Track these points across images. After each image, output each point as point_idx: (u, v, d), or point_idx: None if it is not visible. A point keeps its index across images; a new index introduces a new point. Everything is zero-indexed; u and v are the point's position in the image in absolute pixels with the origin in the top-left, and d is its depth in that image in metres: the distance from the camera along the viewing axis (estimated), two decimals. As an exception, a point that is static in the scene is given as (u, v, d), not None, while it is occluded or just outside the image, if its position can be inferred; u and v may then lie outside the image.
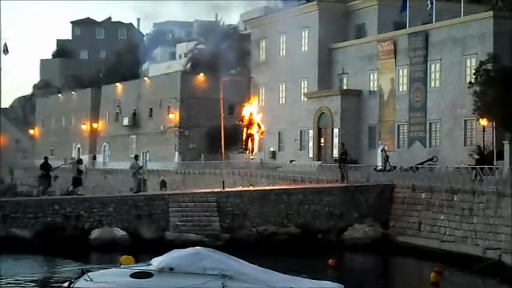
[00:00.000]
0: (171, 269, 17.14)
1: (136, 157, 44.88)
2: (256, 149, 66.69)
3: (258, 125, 67.08)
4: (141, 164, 42.69)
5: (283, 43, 64.49)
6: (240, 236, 34.47)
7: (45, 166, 39.11)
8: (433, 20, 51.01)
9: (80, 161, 42.26)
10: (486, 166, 35.17)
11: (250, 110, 67.82)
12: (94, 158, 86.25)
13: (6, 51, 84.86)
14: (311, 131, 58.94)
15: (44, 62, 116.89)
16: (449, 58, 48.94)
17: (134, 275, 17.15)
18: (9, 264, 28.55)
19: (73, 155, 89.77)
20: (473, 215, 30.84)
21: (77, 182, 39.72)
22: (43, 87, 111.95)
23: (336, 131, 56.09)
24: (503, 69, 42.92)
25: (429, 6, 50.70)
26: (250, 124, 67.81)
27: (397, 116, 52.91)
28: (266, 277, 17.61)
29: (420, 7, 53.22)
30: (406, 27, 52.77)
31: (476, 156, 38.46)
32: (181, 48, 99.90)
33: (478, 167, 35.23)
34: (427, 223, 33.75)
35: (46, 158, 40.93)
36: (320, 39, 59.38)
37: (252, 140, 67.64)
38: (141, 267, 17.61)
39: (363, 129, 55.64)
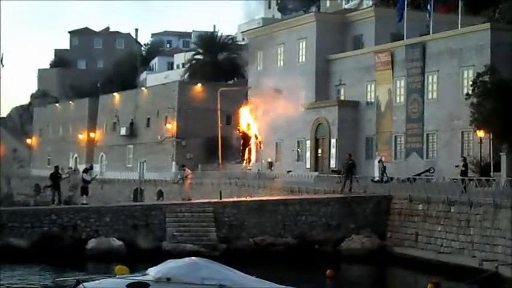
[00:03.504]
0: (168, 279, 17.06)
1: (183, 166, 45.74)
2: (253, 160, 66.68)
3: (255, 135, 67.17)
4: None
5: (280, 54, 64.54)
6: (237, 246, 34.47)
7: (55, 176, 38.96)
8: (430, 32, 51.09)
9: (85, 170, 42.01)
10: (483, 178, 35.23)
11: (247, 120, 67.91)
12: (91, 167, 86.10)
13: (1, 63, 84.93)
14: (308, 142, 58.94)
15: (41, 72, 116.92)
16: (446, 70, 49.00)
17: (130, 285, 17.08)
18: (6, 274, 28.48)
19: (70, 165, 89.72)
20: (470, 227, 30.86)
21: (82, 191, 39.58)
22: (41, 97, 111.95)
23: (333, 141, 56.10)
24: (500, 81, 42.97)
25: (428, 16, 50.78)
26: (246, 134, 67.88)
27: (394, 127, 52.93)
28: (263, 288, 17.60)
29: (417, 19, 53.32)
30: (403, 39, 52.83)
31: (462, 168, 38.65)
32: (179, 58, 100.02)
33: (463, 178, 35.55)
34: (424, 234, 33.76)
35: (57, 168, 40.80)
36: (317, 50, 59.42)
37: (249, 151, 67.69)
38: (137, 278, 17.53)
39: (360, 140, 55.64)
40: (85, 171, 41.39)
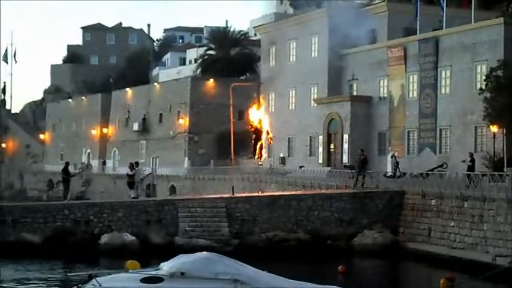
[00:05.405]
0: (183, 273, 17.02)
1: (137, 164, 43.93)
2: (265, 155, 66.71)
3: (267, 131, 67.16)
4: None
5: (293, 49, 64.49)
6: (249, 241, 34.49)
7: (66, 170, 39.32)
8: (444, 27, 50.91)
9: (131, 165, 41.39)
10: (497, 173, 35.10)
11: (259, 116, 67.89)
12: (104, 163, 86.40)
13: (14, 59, 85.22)
14: (321, 137, 58.87)
15: (54, 68, 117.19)
16: (459, 64, 48.82)
17: (144, 280, 17.02)
18: (19, 269, 28.61)
19: (83, 160, 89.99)
20: (484, 222, 30.76)
21: (130, 185, 39.58)
22: (53, 93, 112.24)
23: (345, 137, 56.00)
24: (513, 76, 42.79)
25: (441, 11, 50.63)
26: (258, 130, 67.89)
27: (407, 122, 52.81)
28: (277, 283, 17.55)
29: (430, 13, 53.12)
30: (416, 34, 52.69)
31: (469, 163, 38.57)
32: (192, 53, 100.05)
33: (469, 173, 35.60)
34: (437, 230, 33.68)
35: (67, 164, 41.07)
36: (330, 45, 59.30)
37: (261, 146, 67.71)
38: (150, 272, 17.51)
39: (373, 136, 55.54)
40: (130, 166, 41.07)
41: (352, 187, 39.30)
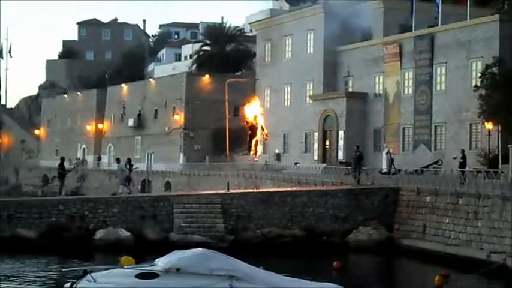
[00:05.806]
0: (178, 269, 17.07)
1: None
2: (260, 151, 66.66)
3: (262, 127, 67.06)
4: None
5: (288, 45, 64.48)
6: (244, 237, 34.50)
7: (62, 166, 39.32)
8: (439, 23, 50.95)
9: (128, 160, 41.17)
10: (492, 170, 35.17)
11: (254, 111, 67.77)
12: (99, 158, 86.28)
13: (9, 54, 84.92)
14: (316, 134, 58.91)
15: (49, 63, 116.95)
16: (455, 61, 48.89)
17: (139, 276, 17.06)
18: (14, 265, 28.58)
19: (78, 156, 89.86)
20: (478, 219, 30.80)
21: (126, 180, 39.22)
22: (49, 88, 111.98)
23: (341, 133, 56.05)
24: (508, 73, 42.88)
25: (437, 8, 50.66)
26: (253, 126, 67.77)
27: (402, 119, 52.86)
28: (271, 279, 17.60)
29: (426, 10, 53.15)
30: (412, 30, 52.72)
31: (460, 160, 38.69)
32: (187, 49, 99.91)
33: (462, 169, 35.87)
34: (431, 226, 33.72)
35: (63, 159, 41.03)
36: (325, 41, 59.32)
37: (256, 142, 67.60)
38: (146, 268, 17.54)
39: (368, 132, 55.60)
40: (128, 161, 40.68)
41: (356, 183, 39.05)
